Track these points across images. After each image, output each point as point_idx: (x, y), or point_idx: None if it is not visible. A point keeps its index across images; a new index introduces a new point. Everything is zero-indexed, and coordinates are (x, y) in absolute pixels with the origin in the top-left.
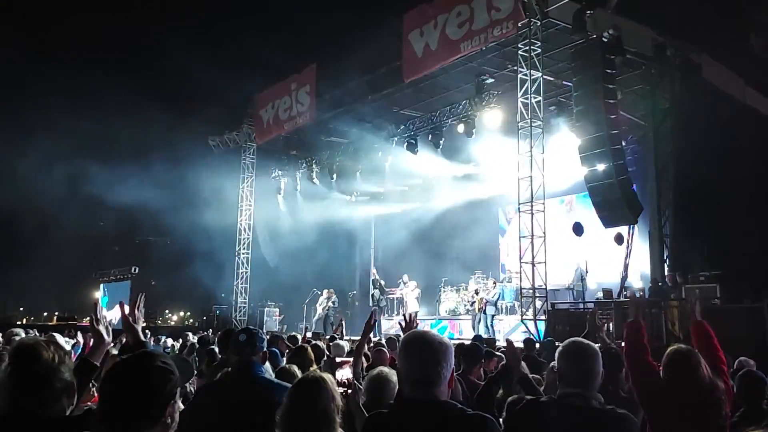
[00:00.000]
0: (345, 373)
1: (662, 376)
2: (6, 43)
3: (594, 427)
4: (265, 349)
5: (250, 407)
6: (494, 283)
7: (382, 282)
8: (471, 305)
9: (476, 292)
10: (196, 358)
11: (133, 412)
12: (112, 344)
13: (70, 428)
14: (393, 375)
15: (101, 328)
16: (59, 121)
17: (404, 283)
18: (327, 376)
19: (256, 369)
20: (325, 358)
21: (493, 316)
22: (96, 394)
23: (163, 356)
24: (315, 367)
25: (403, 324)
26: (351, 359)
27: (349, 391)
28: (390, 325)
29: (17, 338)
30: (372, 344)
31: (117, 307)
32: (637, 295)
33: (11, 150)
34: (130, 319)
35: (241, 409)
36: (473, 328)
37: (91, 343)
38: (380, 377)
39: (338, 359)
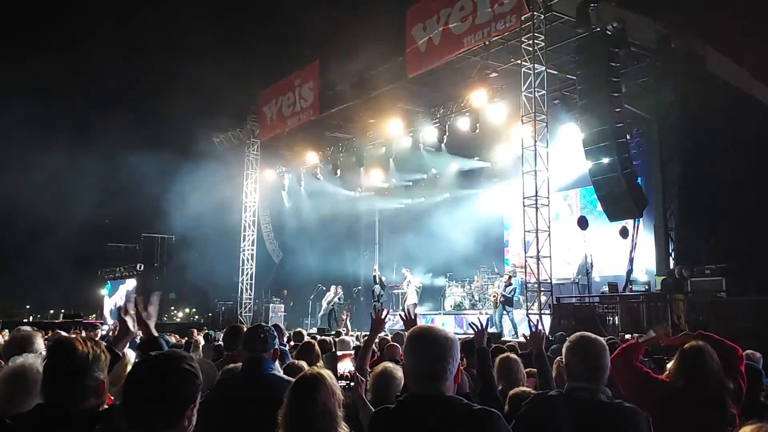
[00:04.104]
0: (346, 366)
1: (671, 373)
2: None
3: (603, 421)
4: (276, 347)
5: (260, 404)
6: (509, 278)
7: (383, 278)
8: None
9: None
10: (202, 355)
11: (153, 411)
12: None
13: (88, 424)
14: (398, 370)
15: (128, 319)
16: (63, 118)
17: (404, 277)
18: (326, 372)
19: (266, 366)
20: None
21: (507, 312)
22: None
23: (190, 358)
24: (321, 363)
25: (404, 318)
26: (351, 352)
27: (352, 383)
28: (395, 321)
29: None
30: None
31: (119, 293)
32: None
33: (15, 149)
34: (143, 315)
35: (250, 406)
36: (512, 325)
37: (116, 332)
38: (385, 373)
39: (339, 352)
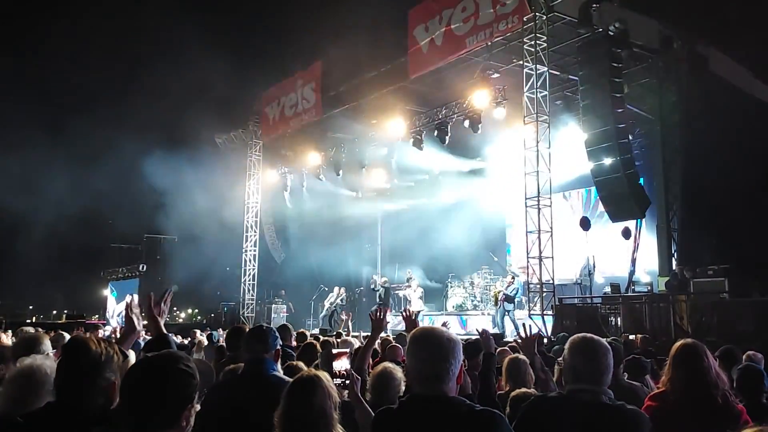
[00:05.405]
0: (342, 364)
1: (666, 380)
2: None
3: (604, 422)
4: (278, 347)
5: (260, 405)
6: (512, 278)
7: (386, 279)
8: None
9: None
10: (204, 355)
11: (151, 412)
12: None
13: (97, 425)
14: (397, 371)
15: (134, 317)
16: (65, 119)
17: (407, 280)
18: (322, 373)
19: (268, 367)
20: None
21: (508, 311)
22: None
23: (187, 359)
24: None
25: (405, 318)
26: (346, 350)
27: (347, 381)
28: (398, 321)
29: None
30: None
31: (125, 300)
32: None
33: (18, 151)
34: (155, 311)
35: (251, 407)
36: (514, 326)
37: (122, 331)
38: (385, 373)
39: (334, 351)
